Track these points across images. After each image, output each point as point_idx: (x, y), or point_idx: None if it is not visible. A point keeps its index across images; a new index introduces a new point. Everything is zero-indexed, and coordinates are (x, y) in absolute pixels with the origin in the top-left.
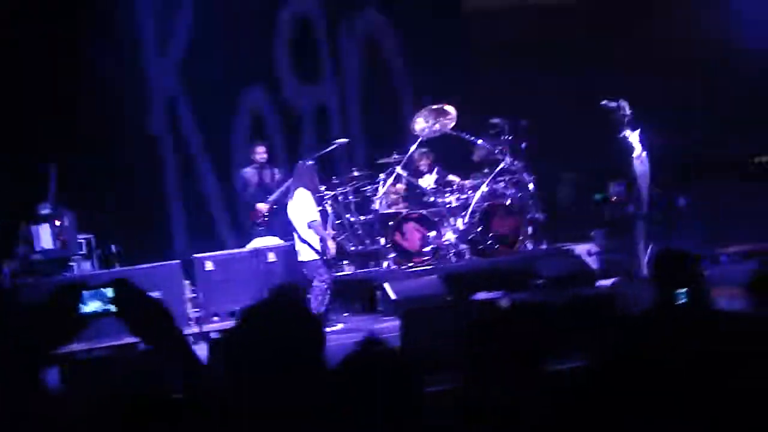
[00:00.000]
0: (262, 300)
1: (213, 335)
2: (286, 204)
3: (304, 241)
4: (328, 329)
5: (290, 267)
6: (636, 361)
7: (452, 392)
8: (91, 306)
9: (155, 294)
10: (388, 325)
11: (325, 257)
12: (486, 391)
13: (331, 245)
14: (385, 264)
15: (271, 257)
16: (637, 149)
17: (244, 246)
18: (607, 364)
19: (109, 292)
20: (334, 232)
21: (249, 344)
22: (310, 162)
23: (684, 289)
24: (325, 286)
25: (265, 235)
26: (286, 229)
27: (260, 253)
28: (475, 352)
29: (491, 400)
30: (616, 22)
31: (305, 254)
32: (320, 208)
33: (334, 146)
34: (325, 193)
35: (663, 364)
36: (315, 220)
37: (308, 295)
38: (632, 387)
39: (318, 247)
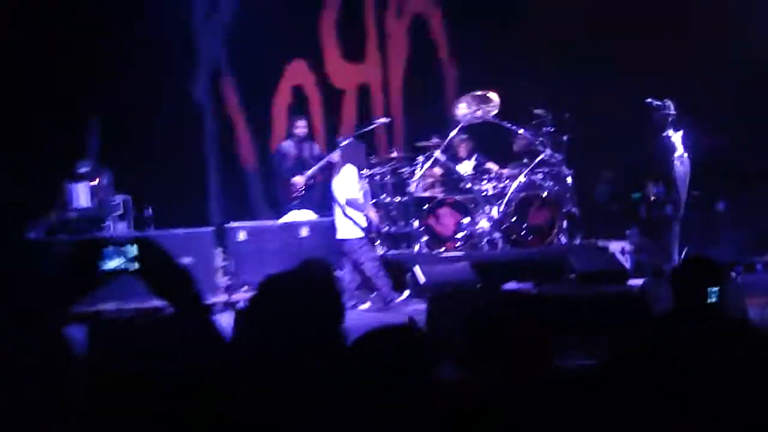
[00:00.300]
0: (283, 272)
1: (240, 305)
2: (324, 179)
3: (348, 217)
4: (361, 307)
5: (323, 242)
6: (651, 362)
7: (461, 382)
8: (113, 263)
9: (186, 260)
10: (414, 308)
11: (370, 234)
12: (491, 384)
13: (374, 216)
14: (416, 247)
15: (304, 231)
16: (679, 150)
17: (278, 218)
18: (621, 362)
19: (133, 250)
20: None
21: (265, 315)
22: (359, 140)
23: (713, 290)
24: (378, 263)
25: (299, 209)
26: (321, 204)
27: (293, 226)
28: (488, 342)
29: (495, 393)
30: (664, 21)
31: (347, 231)
32: (361, 187)
33: (375, 125)
34: (364, 171)
35: (679, 367)
36: (356, 198)
37: (340, 272)
38: (645, 388)
39: (362, 223)
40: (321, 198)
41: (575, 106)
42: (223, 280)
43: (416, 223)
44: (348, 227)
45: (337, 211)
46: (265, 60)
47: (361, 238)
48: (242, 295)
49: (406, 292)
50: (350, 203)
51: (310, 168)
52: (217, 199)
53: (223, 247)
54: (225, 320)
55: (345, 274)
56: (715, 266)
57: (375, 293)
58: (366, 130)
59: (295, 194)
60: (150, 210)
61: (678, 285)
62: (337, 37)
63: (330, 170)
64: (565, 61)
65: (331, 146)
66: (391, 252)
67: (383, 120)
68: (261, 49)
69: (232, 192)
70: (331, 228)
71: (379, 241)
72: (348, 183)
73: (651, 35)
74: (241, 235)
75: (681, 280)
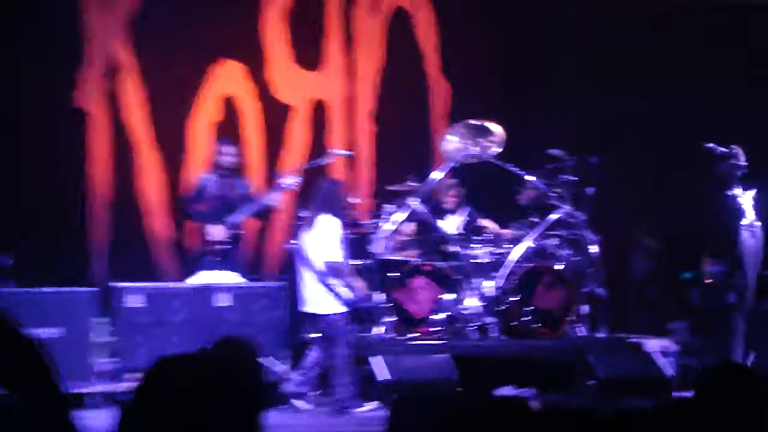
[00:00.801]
0: (189, 353)
1: (127, 397)
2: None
3: (326, 285)
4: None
5: (248, 317)
6: None
7: None
8: None
9: (52, 331)
10: (369, 415)
11: (352, 307)
12: None
13: (361, 286)
14: (378, 329)
15: (223, 299)
16: (749, 216)
17: (186, 279)
18: None
19: None
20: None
21: (158, 413)
22: (337, 179)
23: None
24: (350, 350)
25: (217, 268)
26: (249, 264)
27: (208, 291)
28: None
29: None
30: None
31: (324, 304)
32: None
33: (332, 158)
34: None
35: None
36: (338, 261)
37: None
38: None
39: (345, 294)
40: (252, 255)
41: (606, 148)
42: (104, 362)
43: (380, 297)
44: (325, 298)
45: (308, 276)
46: (180, 58)
47: (342, 314)
48: (131, 384)
49: (374, 404)
50: (331, 268)
51: (238, 212)
52: (102, 248)
53: (109, 315)
54: (103, 418)
55: (310, 355)
56: (756, 378)
57: (329, 391)
58: (319, 164)
59: (214, 247)
60: (7, 259)
61: (703, 398)
62: (287, 35)
63: (265, 216)
64: (596, 86)
65: (269, 183)
66: (321, 333)
67: (344, 152)
68: (175, 42)
69: (124, 240)
70: (263, 297)
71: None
72: (327, 239)
73: (716, 58)
74: (135, 300)
75: (706, 393)
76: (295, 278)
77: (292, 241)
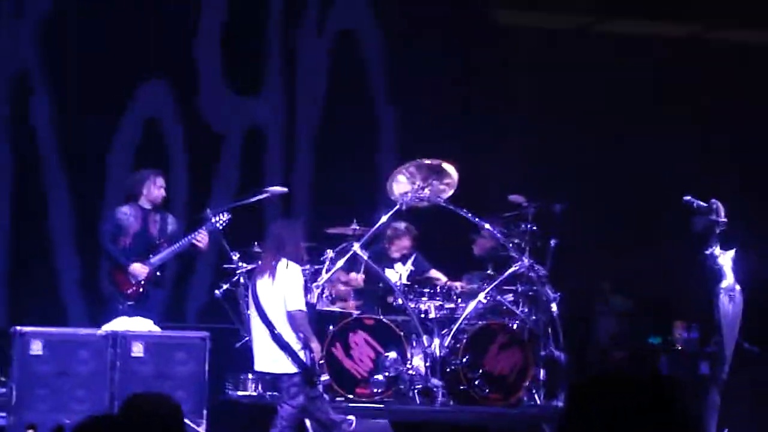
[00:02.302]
0: (99, 415)
1: None
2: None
3: (281, 342)
4: None
5: (166, 369)
6: None
7: None
8: None
9: None
10: None
11: (307, 368)
12: None
13: (317, 348)
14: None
15: (137, 349)
16: (728, 278)
17: (99, 326)
18: None
19: None
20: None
21: None
22: (293, 220)
23: None
24: (297, 413)
25: (134, 315)
26: (165, 311)
27: (120, 339)
28: None
29: None
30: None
31: (280, 364)
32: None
33: (266, 195)
34: (239, 265)
35: None
36: (302, 310)
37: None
38: None
39: (297, 349)
40: (174, 300)
41: (572, 196)
42: None
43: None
44: (281, 356)
45: (261, 329)
46: (107, 77)
47: (293, 375)
48: None
49: None
50: (295, 318)
51: (158, 252)
52: (1, 289)
53: (4, 362)
54: None
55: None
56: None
57: None
58: (251, 200)
59: (130, 291)
60: None
61: None
62: (222, 57)
63: (189, 258)
64: (561, 128)
65: (194, 222)
66: (270, 394)
67: (279, 189)
68: (101, 59)
69: (26, 279)
70: (182, 349)
71: (251, 375)
72: (290, 287)
73: (690, 104)
74: (35, 346)
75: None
76: (221, 329)
77: (220, 287)
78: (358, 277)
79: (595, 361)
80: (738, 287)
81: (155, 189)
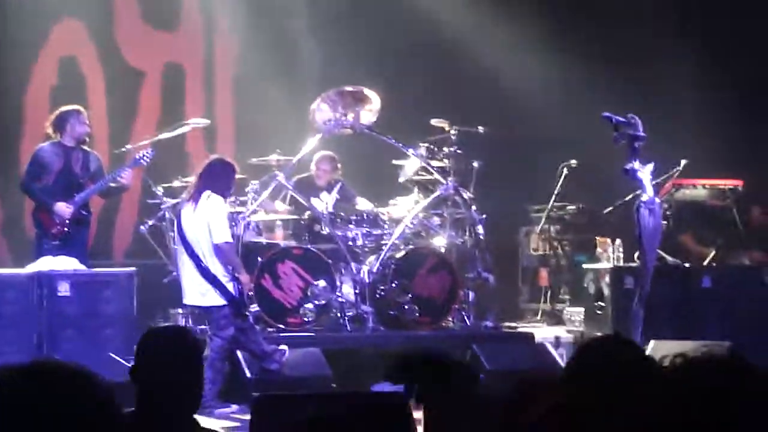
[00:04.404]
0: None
1: None
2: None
3: (208, 275)
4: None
5: (90, 308)
6: None
7: None
8: None
9: None
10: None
11: (236, 300)
12: None
13: (247, 280)
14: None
15: (64, 288)
16: (648, 191)
17: (24, 266)
18: None
19: None
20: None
21: None
22: (223, 158)
23: None
24: (227, 345)
25: (58, 254)
26: (92, 249)
27: (47, 279)
28: None
29: None
30: None
31: (209, 297)
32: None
33: (188, 127)
34: (163, 200)
35: None
36: (228, 242)
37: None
38: None
39: (225, 281)
40: (97, 238)
41: (494, 117)
42: None
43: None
44: (209, 289)
45: (188, 263)
46: (17, 16)
47: (221, 307)
48: None
49: (234, 406)
50: (220, 249)
51: (83, 190)
52: None
53: None
54: None
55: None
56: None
57: None
58: (173, 133)
59: (55, 230)
60: None
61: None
62: None
63: (114, 195)
64: (482, 49)
65: (117, 158)
66: (201, 327)
67: (201, 120)
68: None
69: None
70: (109, 287)
71: (181, 310)
72: (215, 219)
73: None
74: None
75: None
76: (149, 265)
77: (145, 223)
78: (283, 207)
79: (522, 283)
80: (658, 200)
81: (79, 126)
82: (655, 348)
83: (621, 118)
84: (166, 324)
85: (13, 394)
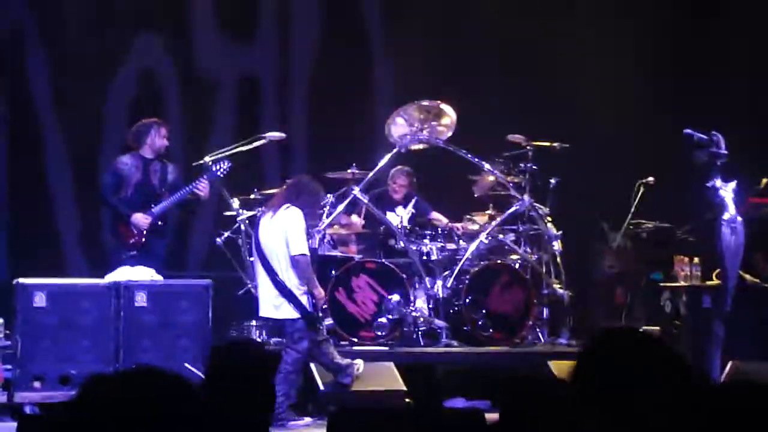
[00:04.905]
0: (108, 374)
1: (28, 410)
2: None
3: (283, 288)
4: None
5: (167, 318)
6: None
7: None
8: None
9: None
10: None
11: (310, 314)
12: None
13: (321, 294)
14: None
15: (141, 299)
16: (730, 210)
17: (102, 276)
18: None
19: None
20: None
21: None
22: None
23: None
24: (302, 358)
25: (136, 265)
26: (168, 260)
27: (122, 289)
28: None
29: None
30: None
31: (283, 309)
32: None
33: (264, 141)
34: (239, 212)
35: None
36: (304, 254)
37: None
38: None
39: (299, 294)
40: (176, 249)
41: (573, 135)
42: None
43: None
44: (284, 302)
45: (264, 276)
46: (93, 28)
47: (296, 320)
48: (31, 395)
49: (307, 419)
50: (298, 262)
51: (161, 201)
52: (1, 241)
53: (8, 314)
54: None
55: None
56: None
57: None
58: (248, 146)
59: (133, 240)
60: None
61: None
62: (214, 2)
63: (190, 207)
64: (560, 65)
65: (193, 170)
66: (276, 340)
67: (277, 135)
68: (90, 10)
69: (26, 231)
70: (185, 297)
71: (254, 322)
72: (293, 233)
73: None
74: (38, 299)
75: None
76: (224, 277)
77: (221, 235)
78: (358, 221)
79: (597, 299)
80: (739, 219)
81: (159, 138)
82: (736, 369)
83: (703, 135)
84: (235, 337)
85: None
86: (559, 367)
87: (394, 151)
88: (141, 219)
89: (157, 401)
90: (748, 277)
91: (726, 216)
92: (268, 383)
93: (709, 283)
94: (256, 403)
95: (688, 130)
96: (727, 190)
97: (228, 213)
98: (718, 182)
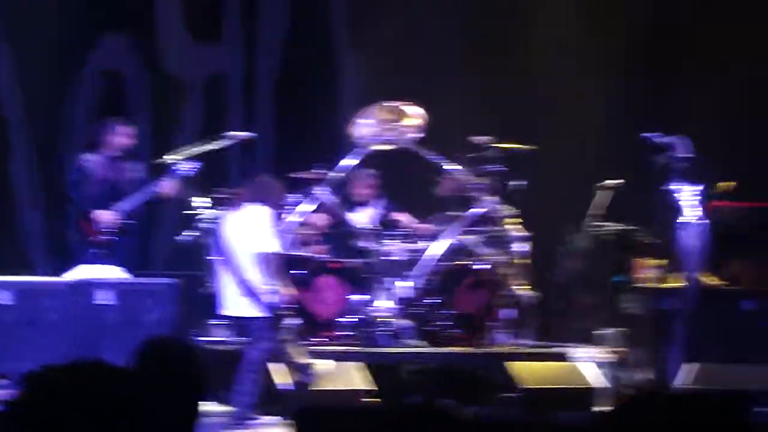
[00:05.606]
0: (64, 363)
1: None
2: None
3: (250, 288)
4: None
5: (132, 316)
6: None
7: None
8: None
9: None
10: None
11: (273, 312)
12: None
13: (288, 291)
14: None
15: (103, 296)
16: (690, 212)
17: (63, 273)
18: None
19: None
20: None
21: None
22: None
23: None
24: (264, 357)
25: (100, 262)
26: (136, 258)
27: (88, 287)
28: None
29: None
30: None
31: (248, 308)
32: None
33: (231, 140)
34: (203, 212)
35: None
36: (274, 252)
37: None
38: None
39: (263, 295)
40: (139, 248)
41: (538, 136)
42: None
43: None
44: (248, 300)
45: (227, 275)
46: (64, 30)
47: (260, 318)
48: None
49: (267, 418)
50: (264, 260)
51: (125, 199)
52: None
53: None
54: None
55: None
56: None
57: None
58: (216, 147)
59: (96, 238)
60: None
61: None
62: (180, 2)
63: (154, 204)
64: (529, 66)
65: (158, 169)
66: (239, 339)
67: (243, 134)
68: (55, 10)
69: None
70: (150, 296)
71: (218, 321)
72: (258, 229)
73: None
74: (3, 297)
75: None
76: (186, 275)
77: (184, 233)
78: (321, 221)
79: (559, 301)
80: (700, 222)
81: (117, 137)
82: (688, 371)
83: (661, 139)
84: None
85: (57, 391)
86: (521, 368)
87: (359, 151)
88: (104, 216)
89: (92, 387)
90: (708, 279)
91: (684, 219)
92: (193, 382)
93: (670, 285)
94: (180, 401)
95: (645, 134)
96: (686, 193)
97: (192, 212)
98: (677, 185)
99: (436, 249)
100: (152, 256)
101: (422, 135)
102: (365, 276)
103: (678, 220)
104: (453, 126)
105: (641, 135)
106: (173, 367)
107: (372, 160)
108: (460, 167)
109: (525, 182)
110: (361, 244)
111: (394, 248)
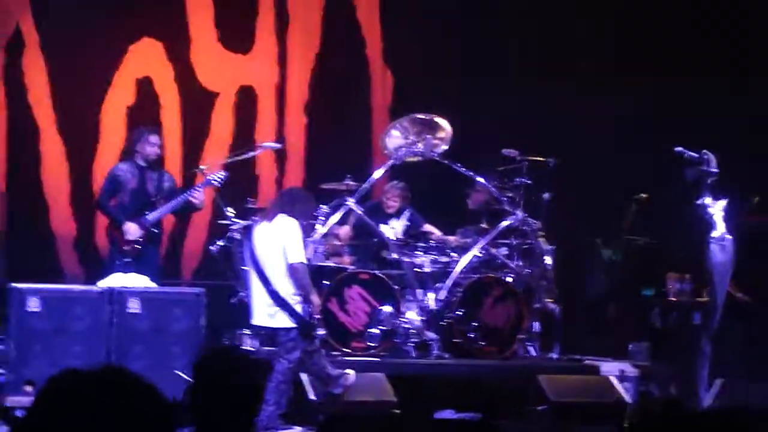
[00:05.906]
0: (88, 370)
1: (19, 414)
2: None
3: (277, 297)
4: None
5: (161, 324)
6: None
7: None
8: None
9: None
10: None
11: (304, 323)
12: None
13: (317, 301)
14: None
15: (134, 305)
16: (719, 228)
17: (94, 282)
18: None
19: None
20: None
21: None
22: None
23: None
24: (293, 368)
25: (130, 271)
26: (161, 267)
27: (116, 296)
28: None
29: None
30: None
31: (277, 318)
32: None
33: (260, 150)
34: (233, 221)
35: None
36: (303, 262)
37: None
38: None
39: (294, 303)
40: (168, 257)
41: (565, 150)
42: None
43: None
44: (278, 310)
45: (258, 284)
46: (94, 35)
47: (289, 329)
48: (23, 399)
49: (297, 428)
50: (295, 270)
51: (155, 209)
52: None
53: (2, 319)
54: None
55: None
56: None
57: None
58: (246, 156)
59: (127, 247)
60: None
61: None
62: (214, 13)
63: (185, 215)
64: (556, 82)
65: (190, 179)
66: (267, 348)
67: (273, 144)
68: (89, 17)
69: (22, 237)
70: (178, 305)
71: (248, 331)
72: (288, 240)
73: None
74: (32, 303)
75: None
76: (217, 285)
77: (215, 244)
78: (351, 233)
79: (588, 314)
80: (729, 237)
81: (149, 146)
82: (715, 387)
83: (693, 153)
84: (221, 345)
85: (79, 397)
86: (550, 381)
87: (389, 163)
88: (133, 228)
89: (122, 400)
90: (737, 294)
91: (715, 234)
92: (253, 389)
93: (699, 299)
94: (241, 408)
95: (679, 148)
96: (716, 208)
97: (222, 222)
98: (708, 200)
99: (464, 261)
100: (183, 266)
101: (449, 147)
102: (394, 287)
103: (709, 235)
104: (483, 138)
105: (675, 149)
106: (235, 377)
107: (402, 171)
108: (489, 180)
109: (551, 194)
110: (390, 255)
111: (422, 260)
